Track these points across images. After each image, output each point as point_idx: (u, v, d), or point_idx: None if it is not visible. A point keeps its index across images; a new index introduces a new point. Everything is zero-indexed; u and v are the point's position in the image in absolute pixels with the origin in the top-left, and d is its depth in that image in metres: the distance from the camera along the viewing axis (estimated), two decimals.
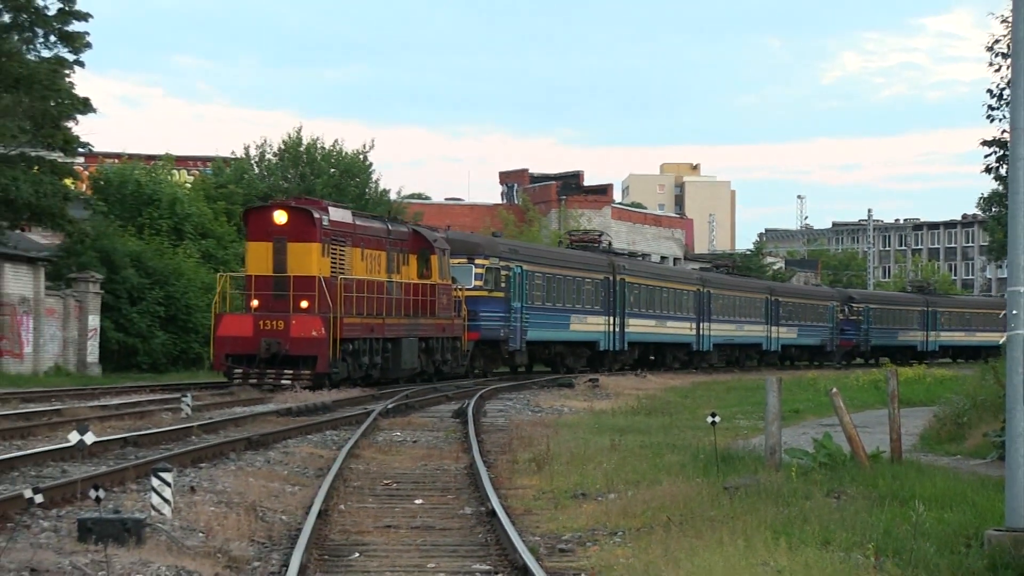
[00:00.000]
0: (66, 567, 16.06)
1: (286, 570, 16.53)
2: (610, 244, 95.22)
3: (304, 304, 46.65)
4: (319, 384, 46.61)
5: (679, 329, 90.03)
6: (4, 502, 19.96)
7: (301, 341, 46.02)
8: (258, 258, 48.16)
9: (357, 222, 52.09)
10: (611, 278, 79.55)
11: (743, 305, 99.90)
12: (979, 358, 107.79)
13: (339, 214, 50.39)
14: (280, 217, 47.50)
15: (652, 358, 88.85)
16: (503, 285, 64.91)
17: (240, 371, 46.74)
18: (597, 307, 77.78)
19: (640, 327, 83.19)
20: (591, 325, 76.88)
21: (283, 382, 46.14)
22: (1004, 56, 46.37)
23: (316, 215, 47.67)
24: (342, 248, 49.50)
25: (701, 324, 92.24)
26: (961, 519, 18.64)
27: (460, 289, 60.28)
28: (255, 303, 47.52)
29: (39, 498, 17.73)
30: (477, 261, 64.00)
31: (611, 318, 78.97)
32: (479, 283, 63.36)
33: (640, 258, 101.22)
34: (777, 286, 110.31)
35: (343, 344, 47.57)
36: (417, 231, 58.27)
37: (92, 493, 19.32)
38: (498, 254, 66.17)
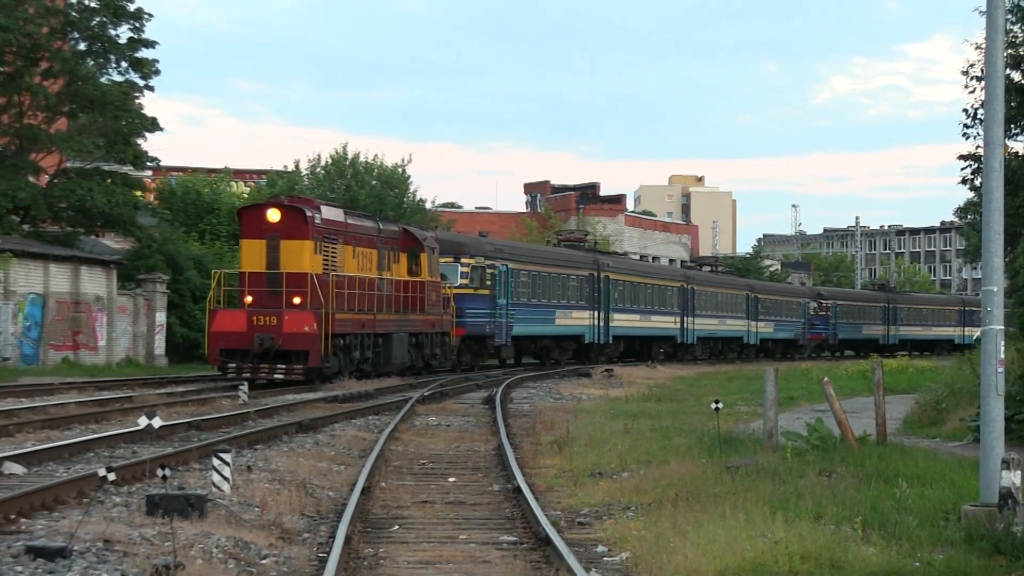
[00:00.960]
0: (136, 538, 16.10)
1: (333, 541, 16.56)
2: (595, 244, 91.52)
3: (297, 300, 44.22)
4: (311, 379, 44.46)
5: (664, 323, 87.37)
6: (80, 480, 20.04)
7: (294, 336, 43.51)
8: (252, 255, 45.41)
9: (349, 220, 49.45)
10: (595, 275, 76.34)
11: (725, 301, 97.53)
12: (934, 351, 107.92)
13: (331, 212, 48.07)
14: (273, 215, 44.99)
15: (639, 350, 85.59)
16: (488, 283, 62.19)
17: (234, 365, 43.93)
18: (582, 302, 74.74)
19: (624, 321, 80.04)
20: (576, 320, 74.02)
21: (276, 377, 43.87)
22: (978, 79, 46.38)
23: (308, 213, 45.23)
24: (334, 246, 46.91)
25: (685, 318, 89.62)
26: (940, 495, 18.63)
27: (448, 287, 58.16)
28: (249, 299, 44.66)
29: (112, 476, 17.78)
30: (463, 260, 61.72)
31: (596, 312, 75.96)
32: (465, 281, 61.04)
33: (624, 256, 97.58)
34: (756, 284, 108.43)
35: (335, 339, 45.17)
36: (407, 230, 55.72)
37: (159, 472, 19.35)
38: (484, 253, 63.52)
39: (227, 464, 20.64)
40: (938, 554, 15.19)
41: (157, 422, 22.87)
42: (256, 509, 19.29)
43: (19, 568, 14.46)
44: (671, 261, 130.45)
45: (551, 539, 16.61)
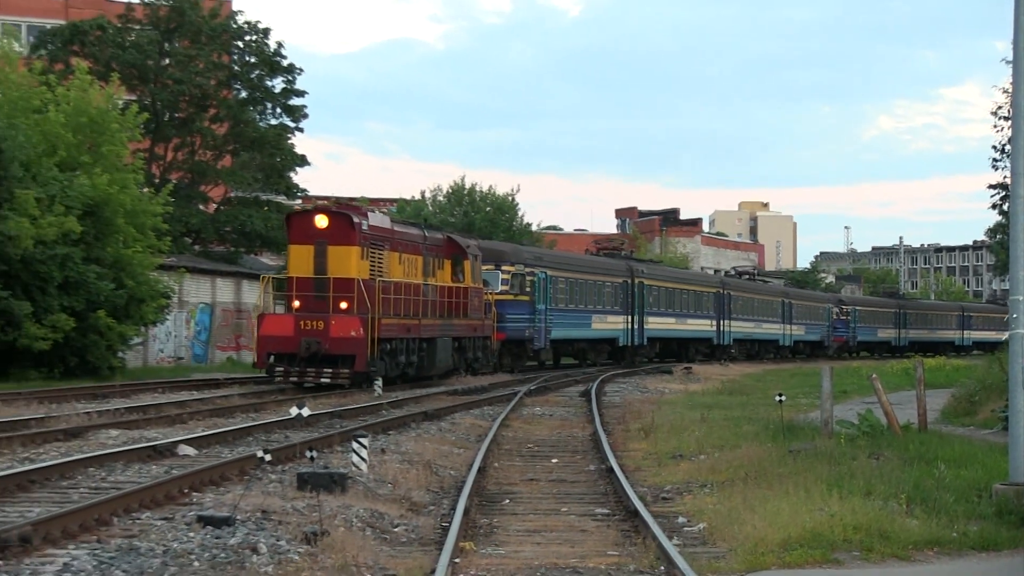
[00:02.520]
0: (288, 509, 16.18)
1: (454, 512, 16.57)
2: (632, 252, 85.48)
3: (343, 305, 38.51)
4: (357, 383, 38.57)
5: (700, 326, 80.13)
6: (242, 460, 20.18)
7: (340, 341, 37.85)
8: (300, 260, 39.47)
9: (395, 228, 43.53)
10: (629, 281, 68.98)
11: (761, 306, 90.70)
12: (939, 352, 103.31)
13: (378, 219, 42.06)
14: (321, 221, 39.20)
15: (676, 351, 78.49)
16: (528, 289, 55.78)
17: (281, 369, 38.33)
18: (617, 307, 67.43)
19: (659, 324, 72.87)
20: (611, 324, 66.76)
21: (323, 381, 38.08)
22: (1005, 119, 46.24)
23: (356, 220, 39.47)
24: (380, 252, 40.92)
25: (721, 321, 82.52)
26: (974, 476, 18.41)
27: (489, 293, 51.82)
28: (297, 304, 39.10)
29: (268, 457, 17.87)
30: (504, 267, 55.05)
31: (630, 317, 68.56)
32: (505, 288, 54.49)
33: (659, 263, 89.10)
34: (790, 290, 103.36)
35: (381, 344, 39.16)
36: (451, 238, 49.30)
37: (308, 453, 19.46)
38: (523, 261, 56.94)
39: (364, 447, 20.71)
40: (972, 526, 15.03)
41: (306, 411, 22.97)
42: (389, 485, 19.35)
43: (191, 534, 14.58)
44: (762, 279, 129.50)
45: (639, 511, 16.56)
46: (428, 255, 45.14)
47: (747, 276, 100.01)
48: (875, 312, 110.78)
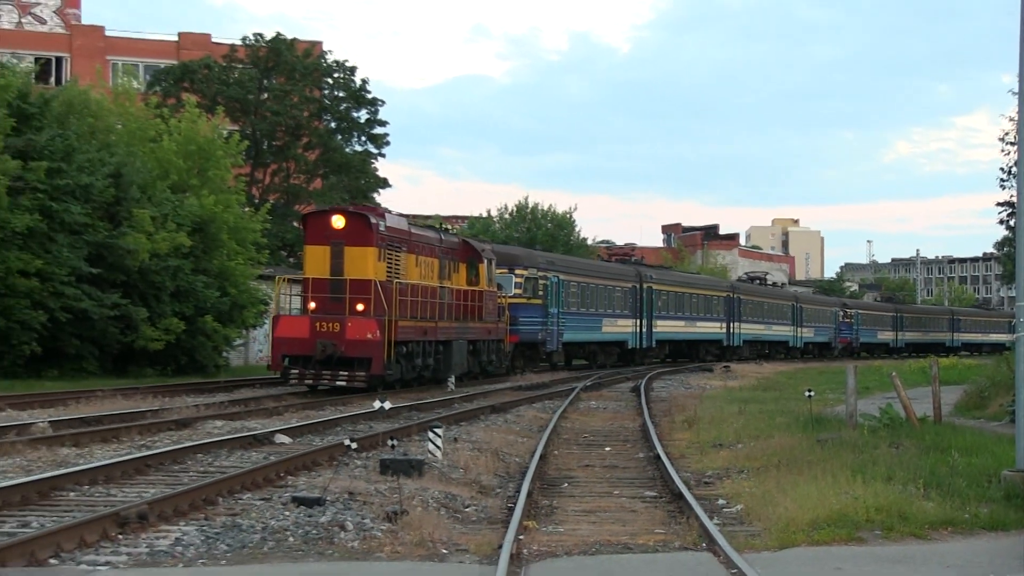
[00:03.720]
0: (372, 491, 16.22)
1: (519, 494, 16.56)
2: (642, 259, 78.93)
3: (360, 307, 34.19)
4: (373, 386, 34.04)
5: (710, 328, 74.64)
6: (331, 447, 20.24)
7: (356, 343, 33.66)
8: (316, 261, 35.03)
9: (412, 230, 38.74)
10: (638, 286, 63.71)
11: (771, 309, 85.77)
12: (932, 352, 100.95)
13: (395, 221, 37.59)
14: (338, 222, 34.81)
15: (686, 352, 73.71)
16: (540, 293, 51.04)
17: (296, 372, 34.19)
18: (626, 311, 62.27)
19: (667, 327, 67.59)
20: (620, 327, 61.61)
21: (338, 383, 33.81)
22: (1012, 144, 45.99)
23: (373, 220, 35.08)
24: (398, 253, 36.40)
25: (732, 324, 77.33)
26: (984, 463, 18.23)
27: (502, 296, 47.04)
28: (312, 305, 34.66)
29: (354, 445, 17.94)
30: (517, 271, 50.45)
31: (639, 320, 63.49)
32: (519, 291, 49.89)
33: (669, 269, 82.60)
34: (801, 295, 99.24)
35: (397, 346, 34.93)
36: (467, 241, 44.76)
37: (389, 442, 19.50)
38: (536, 265, 52.18)
39: (439, 436, 20.74)
40: (983, 508, 14.89)
41: (387, 405, 22.98)
42: (461, 470, 19.37)
43: (287, 513, 14.64)
44: (773, 283, 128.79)
45: (683, 494, 16.51)
46: (444, 258, 40.88)
47: (758, 281, 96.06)
48: (876, 316, 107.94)
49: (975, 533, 13.80)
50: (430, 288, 38.54)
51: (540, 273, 51.49)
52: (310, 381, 34.01)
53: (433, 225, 47.97)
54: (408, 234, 37.62)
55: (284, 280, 36.98)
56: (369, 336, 33.49)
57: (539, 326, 50.76)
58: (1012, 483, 15.95)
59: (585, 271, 59.25)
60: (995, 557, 12.18)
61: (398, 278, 35.62)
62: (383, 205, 70.21)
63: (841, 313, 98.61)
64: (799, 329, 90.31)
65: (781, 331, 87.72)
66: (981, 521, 14.25)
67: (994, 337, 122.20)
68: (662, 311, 66.70)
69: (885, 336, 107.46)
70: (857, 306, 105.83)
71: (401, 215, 40.59)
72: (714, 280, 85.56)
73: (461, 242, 43.79)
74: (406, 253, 37.01)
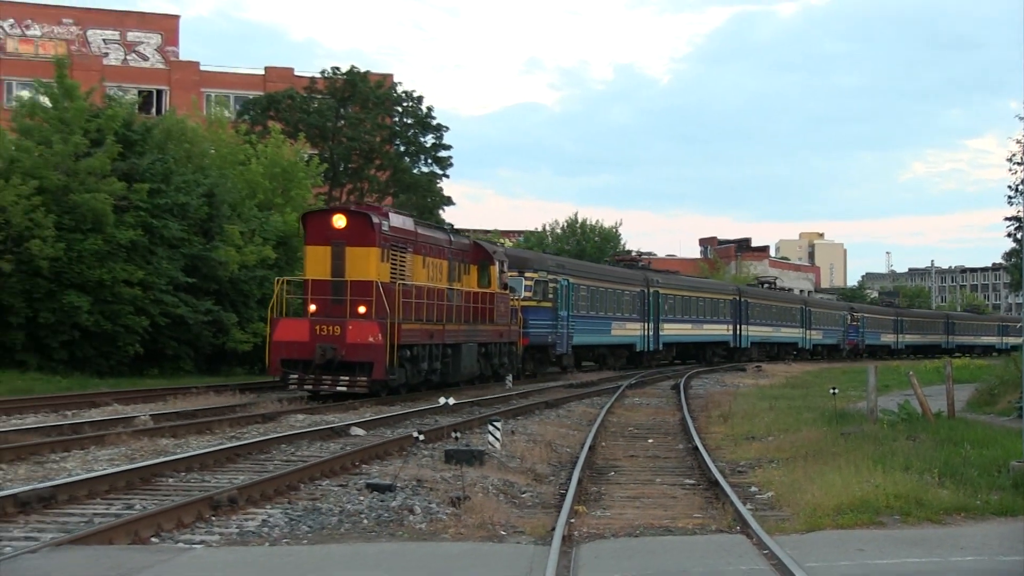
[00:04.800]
0: (437, 479, 16.25)
1: (570, 481, 16.55)
2: (649, 263, 75.00)
3: (362, 309, 30.11)
4: (375, 392, 30.41)
5: (716, 331, 69.64)
6: (401, 439, 20.28)
7: (357, 347, 29.66)
8: (316, 262, 30.91)
9: (419, 230, 34.24)
10: (646, 290, 58.85)
11: (780, 312, 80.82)
12: (930, 354, 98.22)
13: (400, 220, 32.96)
14: (339, 221, 30.76)
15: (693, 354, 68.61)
16: (551, 296, 46.26)
17: (296, 377, 29.98)
18: (634, 315, 57.31)
19: (675, 330, 62.63)
20: (629, 330, 56.83)
21: (339, 389, 29.80)
22: (1019, 164, 45.66)
23: (375, 220, 30.92)
24: (403, 254, 32.23)
25: (739, 326, 72.08)
26: (994, 454, 18.03)
27: (513, 299, 42.13)
28: (313, 308, 30.52)
29: (422, 437, 17.97)
30: (527, 274, 45.34)
31: (646, 324, 58.62)
32: (529, 294, 44.67)
33: (675, 274, 74.62)
34: (809, 299, 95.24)
35: (401, 350, 30.53)
36: (478, 243, 39.92)
37: (453, 434, 19.53)
38: (546, 268, 47.56)
39: (498, 429, 20.77)
40: (993, 496, 14.73)
41: (451, 401, 23.05)
42: (518, 460, 19.37)
43: (361, 498, 14.69)
44: (800, 291, 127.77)
45: (719, 482, 16.44)
46: (454, 259, 36.52)
47: (768, 285, 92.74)
48: (879, 319, 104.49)
49: (986, 518, 13.66)
50: (437, 290, 34.26)
51: (550, 276, 47.09)
52: (310, 386, 29.94)
53: (443, 226, 42.87)
54: (414, 234, 33.44)
55: (284, 281, 32.00)
56: (371, 340, 29.58)
57: (549, 329, 46.31)
58: (1020, 473, 15.77)
59: (595, 275, 54.78)
60: (1004, 540, 12.06)
61: (403, 279, 31.67)
62: (447, 221, 70.66)
63: (849, 317, 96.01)
64: (808, 331, 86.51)
65: (790, 333, 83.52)
66: (991, 507, 14.10)
67: (985, 339, 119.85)
68: (669, 314, 62.13)
69: (887, 338, 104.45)
70: (863, 310, 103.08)
71: (408, 215, 35.76)
72: (720, 284, 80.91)
73: (472, 244, 39.19)
74: (412, 254, 32.90)
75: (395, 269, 31.42)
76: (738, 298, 72.55)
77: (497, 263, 39.19)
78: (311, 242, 31.23)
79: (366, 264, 30.30)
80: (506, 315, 40.09)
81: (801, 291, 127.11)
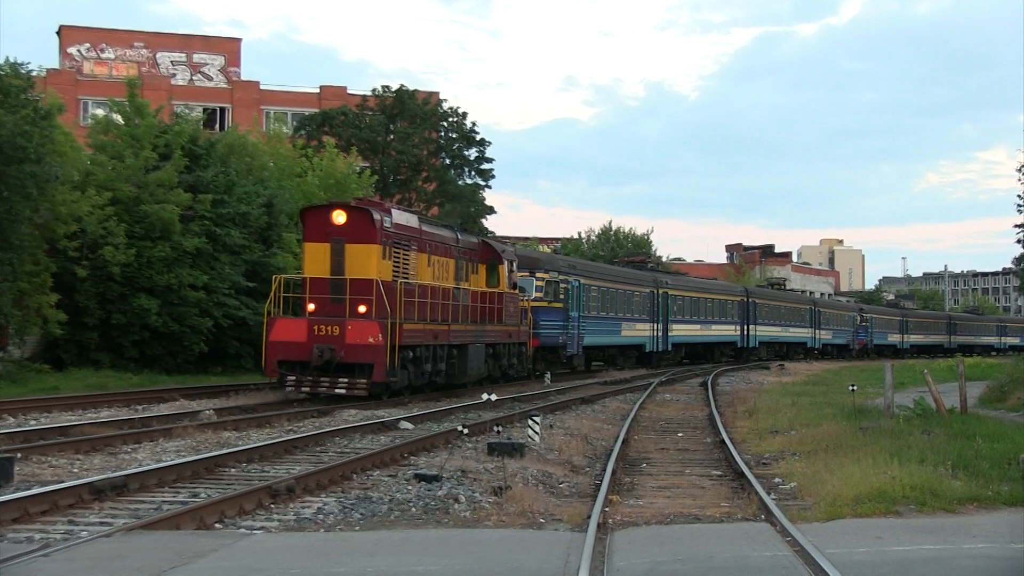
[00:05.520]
0: (480, 470, 16.28)
1: (604, 472, 16.53)
2: (658, 264, 71.03)
3: (362, 309, 27.21)
4: (376, 394, 27.41)
5: (724, 331, 65.82)
6: (447, 433, 20.31)
7: (357, 348, 26.74)
8: (315, 260, 27.88)
9: (424, 228, 31.05)
10: (655, 291, 55.27)
11: (788, 313, 76.75)
12: (932, 354, 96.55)
13: (403, 217, 29.91)
14: (339, 217, 27.71)
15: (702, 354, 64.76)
16: (562, 296, 42.90)
17: (293, 378, 27.02)
18: (644, 316, 53.83)
19: (683, 331, 59.12)
20: (639, 331, 53.33)
21: (337, 391, 26.82)
22: None
23: (376, 216, 27.81)
24: (406, 252, 29.19)
25: (747, 327, 68.29)
26: (1004, 448, 17.87)
27: (523, 299, 38.83)
28: (311, 307, 27.54)
29: (466, 431, 18.02)
30: (538, 274, 42.20)
31: (655, 324, 55.12)
32: (539, 294, 41.58)
33: (684, 275, 70.20)
34: (819, 301, 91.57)
35: (403, 351, 27.57)
36: (486, 242, 36.46)
37: (495, 428, 19.58)
38: (557, 268, 43.94)
39: (537, 424, 20.75)
40: (1003, 487, 14.59)
41: (494, 397, 23.04)
42: (556, 452, 19.36)
43: (410, 487, 14.73)
44: (821, 294, 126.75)
45: (744, 473, 16.37)
46: (461, 258, 33.41)
47: (778, 286, 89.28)
48: (887, 320, 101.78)
49: (997, 508, 13.53)
50: (442, 289, 31.16)
51: (561, 276, 43.61)
52: (307, 388, 27.13)
53: (450, 224, 39.32)
54: (419, 232, 30.41)
55: (282, 279, 28.78)
56: (371, 340, 26.76)
57: (560, 329, 42.92)
58: None
59: (605, 276, 51.10)
60: (1014, 528, 11.95)
61: (406, 278, 28.74)
62: (489, 228, 70.52)
63: (859, 318, 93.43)
64: (817, 331, 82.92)
65: (799, 333, 79.59)
66: (1002, 497, 13.97)
67: (985, 339, 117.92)
68: (678, 315, 58.59)
69: (894, 338, 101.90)
70: (872, 311, 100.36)
71: (412, 211, 32.57)
72: (728, 285, 76.48)
73: (481, 242, 35.92)
74: (416, 252, 29.91)
75: (398, 267, 28.62)
76: (746, 299, 69.28)
77: (506, 262, 36.10)
78: (310, 239, 28.26)
79: (367, 262, 27.53)
80: (515, 315, 36.99)
81: (822, 294, 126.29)
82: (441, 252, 31.89)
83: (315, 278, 27.65)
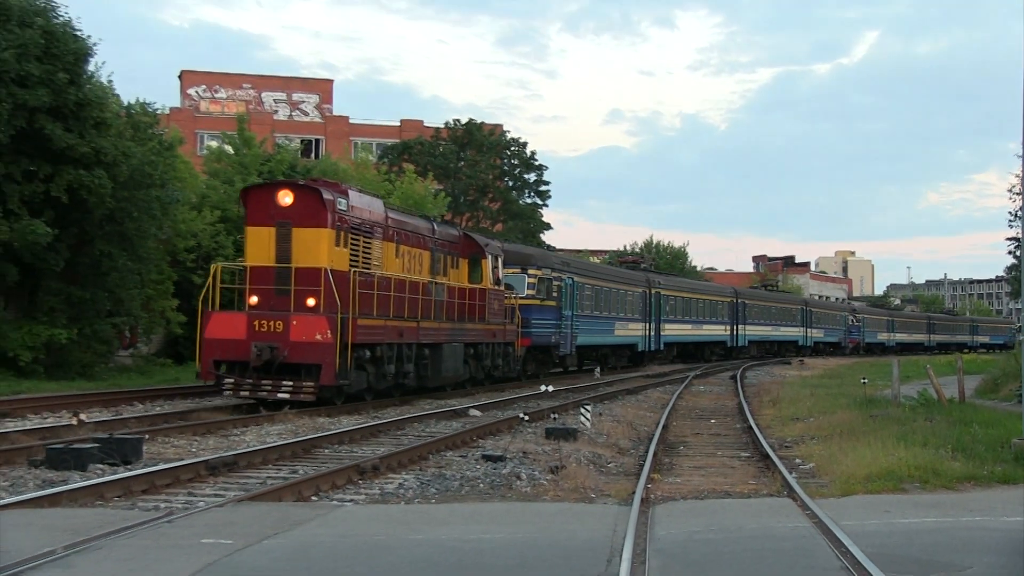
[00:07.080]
0: (539, 451, 16.28)
1: (647, 454, 16.47)
2: (652, 265, 63.26)
3: (310, 302, 21.21)
4: (326, 398, 21.67)
5: (714, 330, 59.61)
6: (510, 419, 20.33)
7: (303, 346, 20.82)
8: (258, 246, 21.65)
9: (391, 215, 24.77)
10: (647, 292, 49.08)
11: (779, 312, 70.99)
12: (916, 352, 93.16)
13: (364, 201, 23.44)
14: (285, 197, 21.52)
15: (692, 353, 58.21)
16: (555, 295, 36.32)
17: (231, 381, 21.22)
18: (636, 315, 47.58)
19: (675, 330, 52.91)
20: (631, 331, 46.92)
21: (280, 396, 20.97)
22: (1017, 193, 44.86)
23: (327, 196, 21.62)
24: (368, 240, 23.11)
25: (737, 326, 62.36)
26: (998, 433, 17.56)
27: (514, 297, 32.53)
28: (254, 299, 21.52)
29: (526, 417, 18.04)
30: (530, 271, 35.45)
31: (648, 324, 49.02)
32: (531, 292, 35.05)
33: (676, 276, 65.60)
34: (811, 301, 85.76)
35: (358, 350, 21.55)
36: (468, 235, 30.08)
37: (552, 415, 19.56)
38: (550, 265, 37.01)
39: (588, 411, 20.72)
40: (998, 467, 14.35)
41: (551, 388, 23.08)
42: (605, 436, 19.32)
43: (478, 466, 14.76)
44: (836, 299, 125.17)
45: (769, 455, 16.24)
46: (438, 251, 27.21)
47: (770, 288, 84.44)
48: (876, 320, 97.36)
49: (992, 486, 13.33)
50: (411, 283, 24.88)
51: (555, 274, 36.98)
52: (246, 392, 21.34)
53: (426, 213, 33.99)
54: (384, 218, 24.37)
55: (219, 268, 22.80)
56: (318, 337, 20.92)
57: (553, 328, 36.48)
58: (1020, 448, 15.38)
59: (600, 274, 44.62)
60: (1007, 504, 11.78)
61: (366, 268, 22.91)
62: (546, 243, 70.27)
63: (851, 317, 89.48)
64: (808, 330, 76.85)
65: (789, 332, 73.38)
66: (996, 477, 13.76)
67: (959, 338, 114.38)
68: (670, 315, 52.59)
69: (883, 336, 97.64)
70: (863, 311, 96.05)
71: (376, 196, 25.71)
72: (718, 286, 69.23)
73: (462, 236, 29.67)
74: (381, 240, 24.02)
75: (356, 256, 22.69)
76: (735, 300, 63.22)
77: (490, 256, 30.00)
78: (252, 222, 22.00)
79: (316, 248, 21.56)
80: (500, 313, 30.67)
81: (837, 299, 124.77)
82: (413, 243, 25.86)
83: (257, 267, 21.72)
